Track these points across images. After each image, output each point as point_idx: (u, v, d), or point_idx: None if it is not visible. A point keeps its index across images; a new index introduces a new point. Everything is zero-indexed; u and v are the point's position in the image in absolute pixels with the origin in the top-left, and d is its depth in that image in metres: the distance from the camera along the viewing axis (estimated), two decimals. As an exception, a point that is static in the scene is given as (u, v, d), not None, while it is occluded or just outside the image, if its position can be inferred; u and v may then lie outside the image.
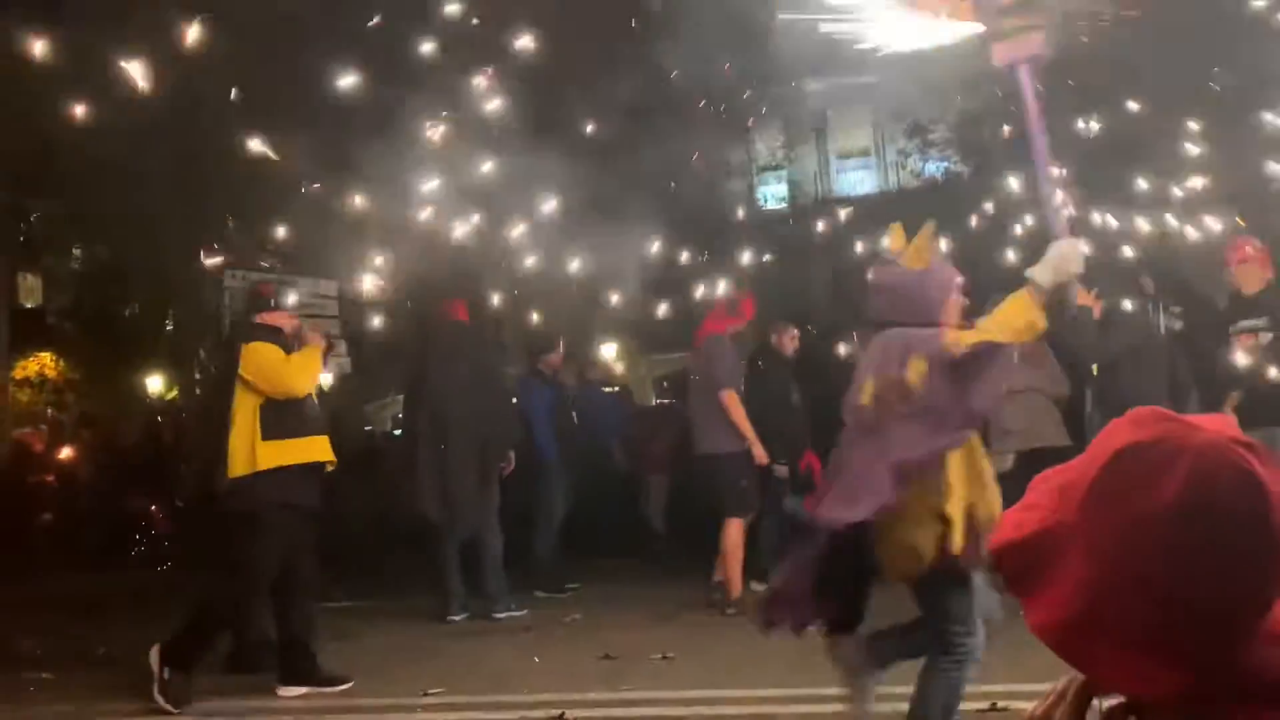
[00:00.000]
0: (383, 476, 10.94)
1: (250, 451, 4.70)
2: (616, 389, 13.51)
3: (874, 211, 26.90)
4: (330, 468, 5.03)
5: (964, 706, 3.15)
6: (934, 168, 20.61)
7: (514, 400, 7.77)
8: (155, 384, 17.33)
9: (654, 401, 18.59)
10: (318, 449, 4.91)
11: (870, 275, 3.32)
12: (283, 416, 4.77)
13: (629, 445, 9.83)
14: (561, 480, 8.01)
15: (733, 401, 6.59)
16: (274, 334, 4.93)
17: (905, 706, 3.14)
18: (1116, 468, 0.89)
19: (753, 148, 27.41)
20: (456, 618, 6.54)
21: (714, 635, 5.69)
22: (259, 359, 4.81)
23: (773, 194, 27.75)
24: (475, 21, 6.94)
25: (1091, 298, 5.73)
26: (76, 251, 19.22)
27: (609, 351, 19.14)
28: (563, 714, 4.11)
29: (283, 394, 4.77)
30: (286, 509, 4.75)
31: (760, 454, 6.57)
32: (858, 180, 27.82)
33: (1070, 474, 0.95)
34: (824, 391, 7.41)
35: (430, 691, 4.64)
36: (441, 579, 6.72)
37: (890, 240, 3.28)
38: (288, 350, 4.92)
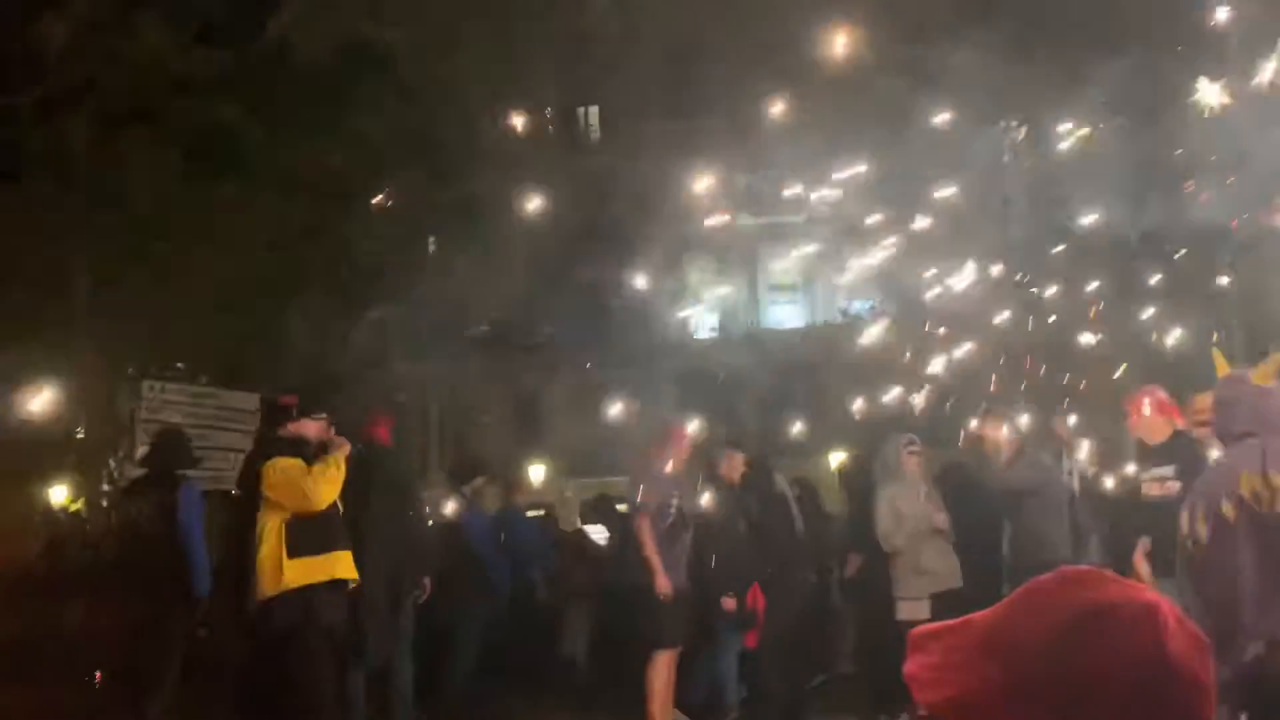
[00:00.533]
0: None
1: (277, 571, 4.55)
2: (541, 513, 13.32)
3: (802, 343, 27.48)
4: (353, 584, 4.89)
5: None
6: (860, 306, 21.26)
7: (430, 524, 7.60)
8: (59, 494, 16.73)
9: (579, 526, 18.37)
10: (342, 565, 4.78)
11: (1223, 390, 3.49)
12: (308, 532, 4.64)
13: (551, 573, 9.65)
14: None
15: (641, 529, 6.54)
16: (295, 447, 4.81)
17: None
18: (1088, 628, 0.93)
19: (686, 278, 28.05)
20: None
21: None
22: (279, 474, 4.70)
23: (705, 323, 28.27)
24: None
25: (1004, 434, 5.91)
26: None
27: (536, 473, 19.01)
28: None
29: (305, 507, 4.63)
30: (317, 628, 4.63)
31: (662, 585, 6.46)
32: (786, 315, 28.51)
33: (996, 631, 0.96)
34: (766, 520, 7.36)
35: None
36: (346, 711, 6.41)
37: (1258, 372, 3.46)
38: (310, 461, 4.75)
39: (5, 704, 8.98)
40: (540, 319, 22.50)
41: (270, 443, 4.97)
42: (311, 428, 4.97)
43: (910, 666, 1.01)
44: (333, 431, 5.05)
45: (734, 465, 7.41)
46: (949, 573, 6.52)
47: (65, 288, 15.97)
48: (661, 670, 6.44)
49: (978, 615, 1.03)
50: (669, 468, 6.78)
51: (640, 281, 28.44)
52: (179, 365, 17.50)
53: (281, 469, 4.70)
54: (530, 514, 11.10)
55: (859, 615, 8.03)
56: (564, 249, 21.33)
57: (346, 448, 4.99)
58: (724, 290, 28.28)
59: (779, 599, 7.14)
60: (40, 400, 4.08)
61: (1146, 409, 5.50)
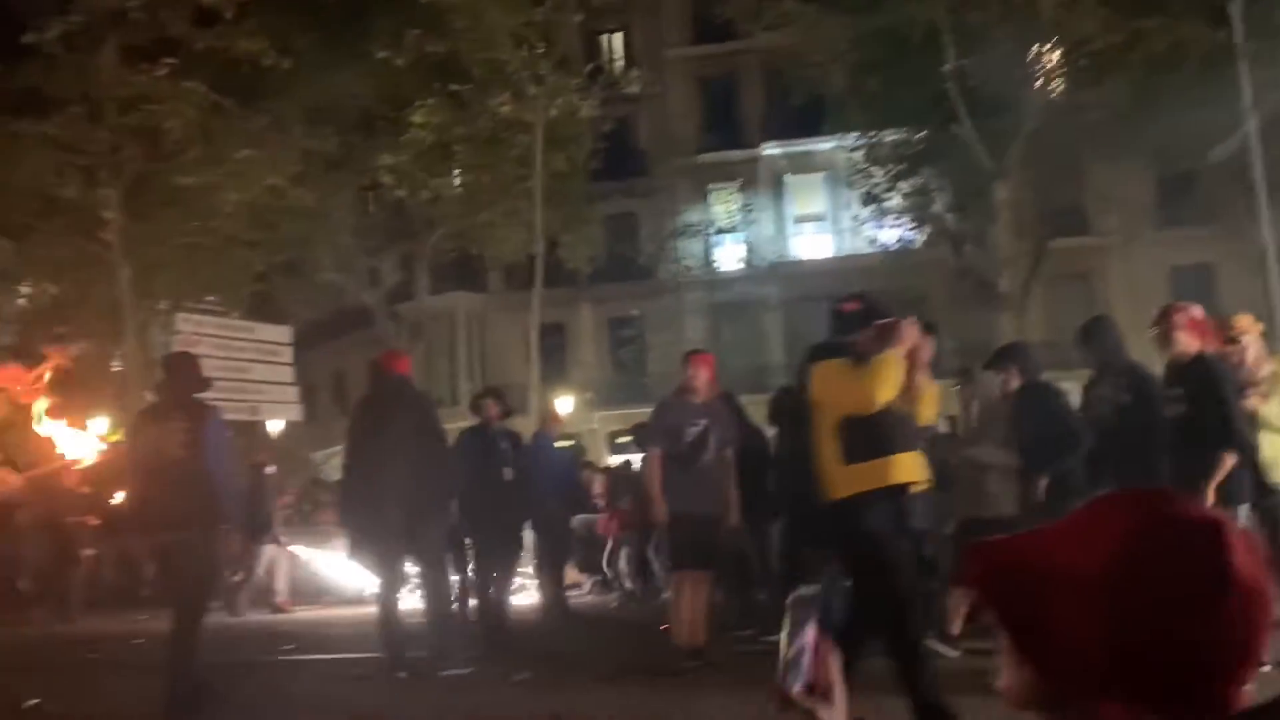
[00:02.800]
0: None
1: (832, 477, 4.39)
2: (570, 444, 13.49)
3: (829, 275, 27.23)
4: (918, 487, 4.56)
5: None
6: (889, 236, 21.07)
7: (451, 455, 7.63)
8: (100, 425, 17.04)
9: (609, 458, 18.57)
10: (901, 469, 4.43)
11: None
12: (860, 437, 4.35)
13: (575, 504, 9.79)
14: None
15: (649, 459, 6.70)
16: (844, 350, 4.49)
17: None
18: (1159, 538, 0.95)
19: (711, 209, 27.86)
20: (400, 674, 6.41)
21: (661, 697, 5.63)
22: (825, 376, 4.46)
23: (730, 255, 28.13)
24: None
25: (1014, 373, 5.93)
26: (25, 289, 18.97)
27: (564, 405, 19.15)
28: (509, 776, 4.03)
29: (856, 409, 4.31)
30: (872, 536, 4.34)
31: (658, 513, 6.57)
32: (813, 244, 28.29)
33: (1064, 541, 1.00)
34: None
35: (374, 750, 4.53)
36: (383, 634, 6.60)
37: None
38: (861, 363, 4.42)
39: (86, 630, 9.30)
40: (566, 251, 22.44)
41: (819, 348, 4.66)
42: (879, 337, 4.48)
43: (971, 575, 1.05)
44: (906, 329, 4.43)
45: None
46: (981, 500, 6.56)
47: (100, 224, 16.10)
48: (681, 592, 6.50)
49: (1043, 529, 1.07)
50: (692, 396, 6.73)
51: (666, 213, 28.31)
52: (210, 299, 17.69)
53: (830, 370, 4.43)
54: (559, 445, 11.22)
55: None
56: (590, 179, 21.16)
57: (911, 336, 4.39)
58: (750, 220, 28.03)
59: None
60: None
61: (1180, 325, 5.42)
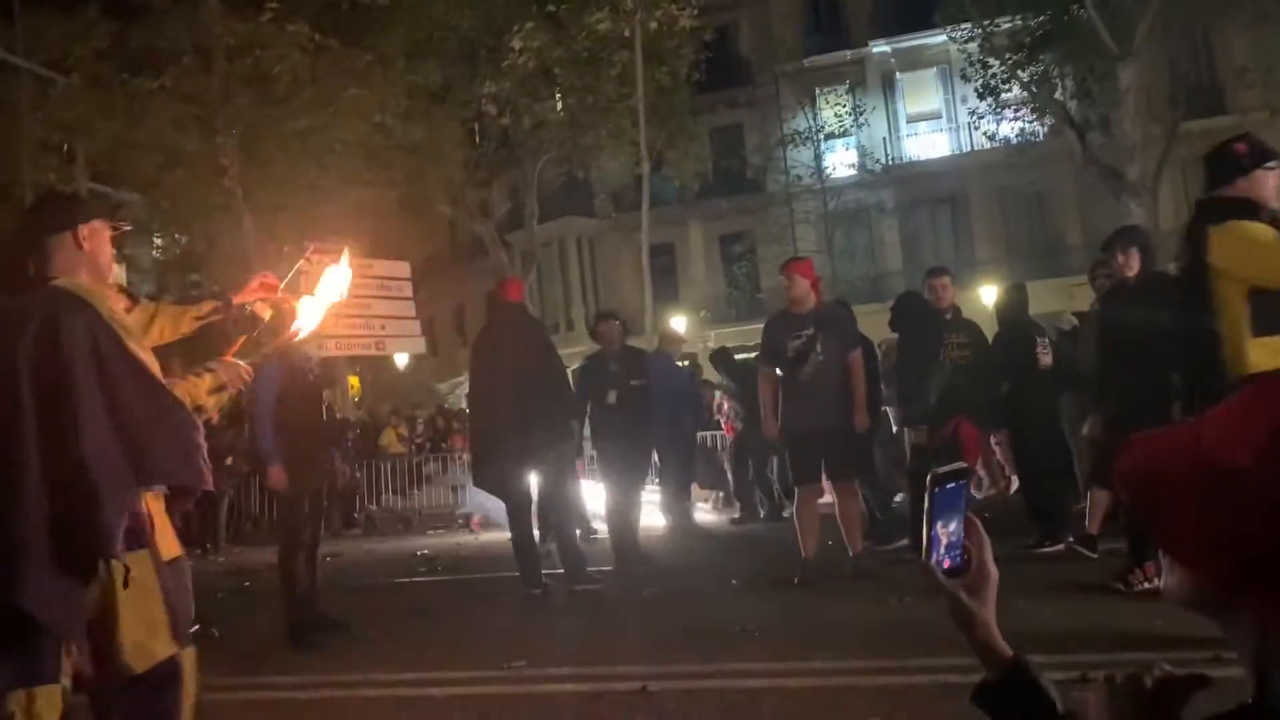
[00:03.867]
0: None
1: (1240, 352, 3.90)
2: (687, 362, 13.54)
3: (946, 174, 26.18)
4: None
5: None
6: (1009, 129, 20.15)
7: (570, 379, 7.77)
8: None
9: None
10: None
11: None
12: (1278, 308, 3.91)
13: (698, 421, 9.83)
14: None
15: (759, 378, 6.70)
16: (1249, 209, 4.01)
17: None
18: None
19: (820, 114, 27.04)
20: (535, 591, 6.59)
21: (792, 607, 5.65)
22: (1235, 239, 3.97)
23: (841, 161, 27.34)
24: None
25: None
26: (157, 239, 19.83)
27: (679, 324, 19.14)
28: (644, 686, 4.10)
29: (1273, 281, 3.87)
30: None
31: (768, 430, 6.52)
32: (929, 144, 27.26)
33: (1213, 444, 0.94)
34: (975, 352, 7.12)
35: (512, 664, 4.67)
36: (517, 553, 6.77)
37: None
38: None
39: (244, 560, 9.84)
40: (673, 169, 22.17)
41: (1214, 204, 4.10)
42: (1271, 181, 3.97)
43: (1118, 475, 1.01)
44: None
45: (946, 291, 7.16)
46: None
47: (220, 172, 16.62)
48: (801, 505, 6.45)
49: (1192, 423, 1.00)
50: (796, 307, 6.54)
51: (773, 122, 27.66)
52: (331, 237, 18.13)
53: (1241, 234, 3.93)
54: (680, 364, 11.27)
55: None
56: (693, 92, 20.76)
57: None
58: (861, 123, 27.12)
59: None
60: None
61: None
